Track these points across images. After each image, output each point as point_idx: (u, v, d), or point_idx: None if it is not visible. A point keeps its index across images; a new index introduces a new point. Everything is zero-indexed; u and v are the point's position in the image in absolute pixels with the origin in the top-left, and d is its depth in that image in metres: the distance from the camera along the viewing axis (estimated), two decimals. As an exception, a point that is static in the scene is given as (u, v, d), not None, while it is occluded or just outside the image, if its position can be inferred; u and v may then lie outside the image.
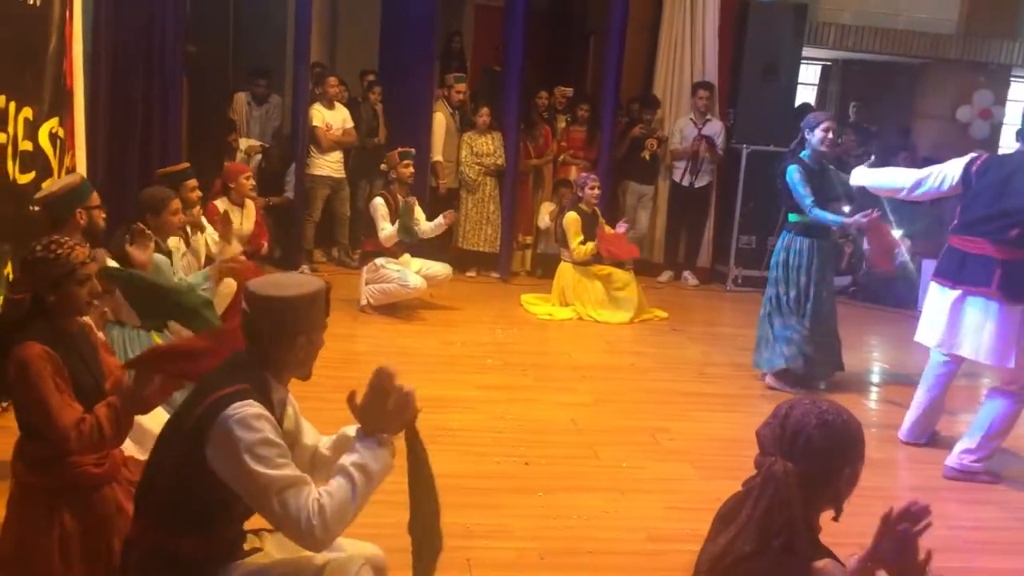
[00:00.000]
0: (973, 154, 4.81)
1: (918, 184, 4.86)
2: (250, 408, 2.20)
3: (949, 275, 4.69)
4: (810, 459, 1.96)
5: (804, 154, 5.72)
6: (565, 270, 7.58)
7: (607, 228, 7.57)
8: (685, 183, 8.93)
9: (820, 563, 1.92)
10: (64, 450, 2.65)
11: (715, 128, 8.86)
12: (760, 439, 2.06)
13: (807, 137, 5.71)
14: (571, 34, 10.92)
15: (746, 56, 9.03)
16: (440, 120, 8.56)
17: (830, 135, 5.67)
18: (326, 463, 2.51)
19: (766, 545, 1.94)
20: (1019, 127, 4.62)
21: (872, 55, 11.14)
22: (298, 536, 2.19)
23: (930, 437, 5.09)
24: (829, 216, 5.54)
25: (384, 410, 2.26)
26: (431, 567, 2.40)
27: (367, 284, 7.01)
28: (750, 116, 9.00)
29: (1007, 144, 11.22)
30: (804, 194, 5.56)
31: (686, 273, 9.19)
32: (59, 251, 2.74)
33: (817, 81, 13.20)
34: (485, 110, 8.54)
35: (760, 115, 8.93)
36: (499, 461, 4.43)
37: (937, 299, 4.73)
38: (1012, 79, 11.73)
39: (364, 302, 6.99)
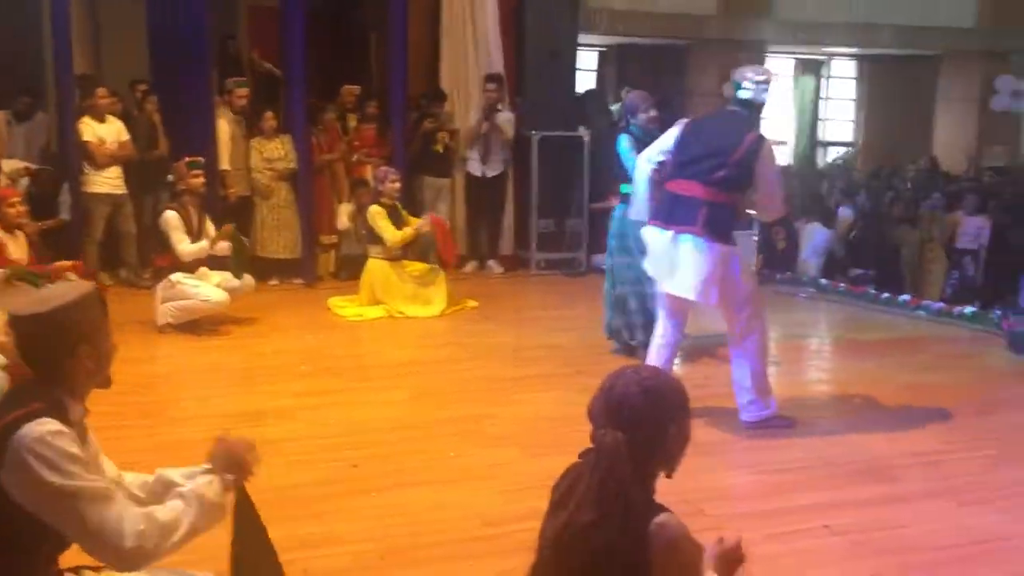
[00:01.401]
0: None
1: (656, 156, 5.09)
2: (47, 425, 2.08)
3: (661, 217, 4.94)
4: (637, 425, 2.03)
5: (632, 127, 6.09)
6: (374, 267, 7.48)
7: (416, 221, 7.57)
8: (479, 173, 9.05)
9: (659, 518, 1.99)
10: None
11: (506, 118, 9.00)
12: (591, 413, 2.12)
13: (632, 120, 6.12)
14: (351, 31, 10.77)
15: (527, 45, 9.25)
16: (224, 127, 8.25)
17: (652, 113, 6.13)
18: (137, 501, 2.37)
19: (605, 514, 2.00)
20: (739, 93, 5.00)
21: (643, 39, 11.69)
22: (112, 549, 2.09)
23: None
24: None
25: (233, 456, 2.36)
26: None
27: (164, 302, 6.65)
28: (537, 103, 9.22)
29: (768, 114, 12.09)
30: (633, 159, 5.72)
31: (490, 261, 9.32)
32: None
33: (596, 67, 13.70)
34: (269, 114, 8.33)
35: (546, 102, 9.18)
36: (326, 467, 4.33)
37: (655, 240, 4.96)
38: (768, 54, 12.64)
39: (163, 321, 6.63)
